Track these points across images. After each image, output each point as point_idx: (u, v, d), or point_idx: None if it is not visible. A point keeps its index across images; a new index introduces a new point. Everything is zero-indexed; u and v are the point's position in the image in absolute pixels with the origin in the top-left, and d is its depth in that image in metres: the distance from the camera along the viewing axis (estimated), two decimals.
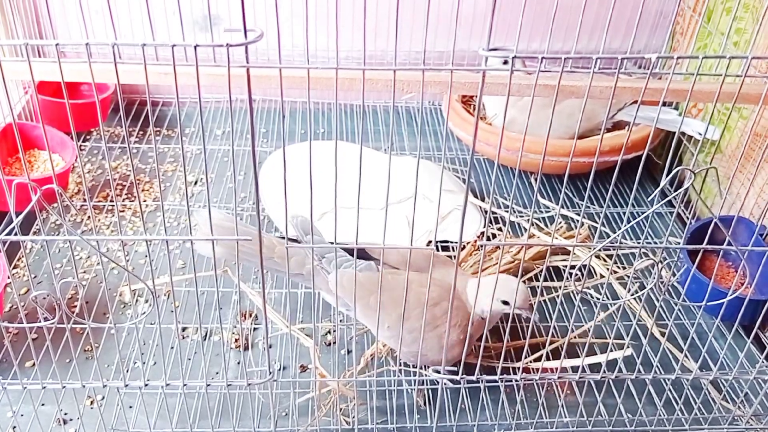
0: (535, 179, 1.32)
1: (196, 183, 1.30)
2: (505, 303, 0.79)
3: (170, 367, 0.92)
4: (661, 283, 0.71)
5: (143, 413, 0.85)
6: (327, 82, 0.86)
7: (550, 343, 0.96)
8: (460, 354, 0.84)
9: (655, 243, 1.18)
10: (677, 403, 0.89)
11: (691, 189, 1.25)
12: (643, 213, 1.25)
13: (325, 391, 0.85)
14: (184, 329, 0.99)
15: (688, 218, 1.23)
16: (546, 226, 1.20)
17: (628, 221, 0.63)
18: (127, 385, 0.74)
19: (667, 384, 0.88)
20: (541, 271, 1.10)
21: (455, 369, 0.77)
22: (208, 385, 0.75)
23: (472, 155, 0.60)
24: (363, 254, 0.86)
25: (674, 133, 1.25)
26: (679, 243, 1.14)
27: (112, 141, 1.40)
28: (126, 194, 1.25)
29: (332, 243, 0.80)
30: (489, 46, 0.52)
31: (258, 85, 0.84)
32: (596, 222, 1.22)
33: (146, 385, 0.74)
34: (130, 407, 0.87)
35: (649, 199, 1.31)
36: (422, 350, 0.80)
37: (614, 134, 1.24)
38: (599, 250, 0.62)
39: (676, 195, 0.66)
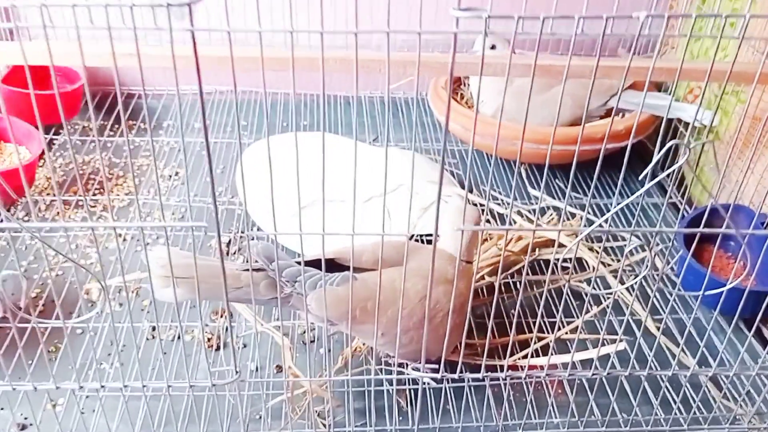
0: (525, 169, 1.27)
1: (171, 177, 1.25)
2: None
3: (135, 369, 0.86)
4: (655, 271, 0.66)
5: (105, 417, 0.80)
6: (283, 63, 0.81)
7: (539, 339, 0.91)
8: (461, 336, 0.80)
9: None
10: (675, 402, 0.84)
11: (686, 169, 1.20)
12: (636, 202, 1.20)
13: (300, 392, 0.80)
14: (153, 328, 0.94)
15: (681, 203, 1.17)
16: (538, 218, 1.14)
17: (620, 204, 0.58)
18: (81, 387, 0.69)
19: (663, 381, 0.82)
20: (530, 263, 1.05)
21: (436, 367, 0.72)
22: (170, 386, 0.70)
23: (445, 140, 0.55)
24: (337, 265, 0.79)
25: (670, 120, 1.20)
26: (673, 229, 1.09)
27: (86, 134, 1.34)
28: (97, 188, 1.19)
29: (299, 263, 0.75)
30: (460, 5, 0.47)
31: (220, 71, 0.80)
32: (589, 213, 1.17)
33: (103, 387, 0.69)
34: (93, 411, 0.82)
35: (640, 177, 1.25)
36: (422, 346, 0.74)
37: (606, 121, 1.19)
38: (587, 234, 0.56)
39: (669, 174, 0.61)
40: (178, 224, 0.60)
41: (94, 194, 1.18)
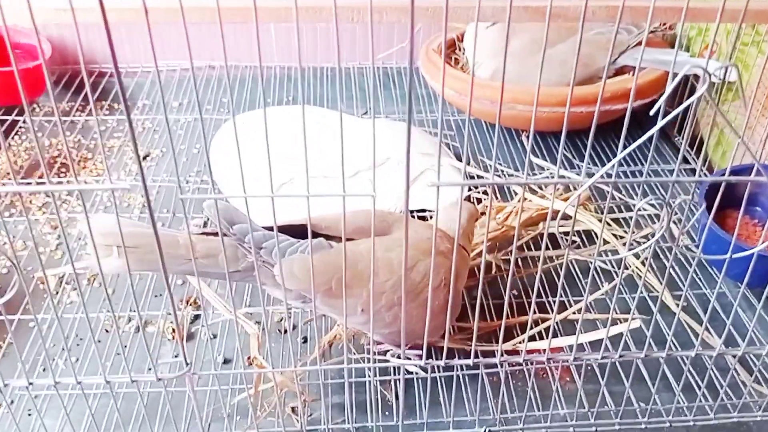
0: (527, 136, 1.16)
1: (145, 158, 1.16)
2: None
3: (87, 365, 0.77)
4: (672, 240, 0.56)
5: (53, 417, 0.71)
6: (244, 14, 0.71)
7: (542, 321, 0.80)
8: (453, 316, 0.72)
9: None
10: (699, 388, 0.74)
11: (705, 133, 1.09)
12: (655, 171, 1.09)
13: (269, 386, 0.70)
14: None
15: (700, 168, 1.06)
16: (541, 189, 1.04)
17: (629, 148, 0.48)
18: (31, 383, 0.60)
19: (685, 364, 0.72)
20: (533, 239, 0.94)
21: (421, 353, 0.62)
22: (108, 382, 0.61)
23: (442, 106, 0.44)
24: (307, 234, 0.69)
25: (685, 78, 1.08)
26: (690, 192, 0.98)
27: (54, 115, 1.25)
28: (64, 172, 1.10)
29: (268, 228, 0.65)
30: None
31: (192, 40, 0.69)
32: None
33: (31, 384, 0.60)
34: (30, 414, 0.73)
35: (651, 112, 1.14)
36: (407, 326, 0.65)
37: (617, 79, 1.08)
38: (597, 204, 0.46)
39: (681, 122, 0.50)
40: (97, 187, 0.50)
41: (60, 177, 1.09)
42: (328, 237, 0.69)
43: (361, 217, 0.70)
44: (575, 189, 1.02)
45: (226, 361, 0.79)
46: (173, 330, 0.83)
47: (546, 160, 1.09)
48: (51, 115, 1.23)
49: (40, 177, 1.09)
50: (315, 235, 0.69)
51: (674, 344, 0.79)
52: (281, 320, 0.84)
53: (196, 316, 0.85)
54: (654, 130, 0.49)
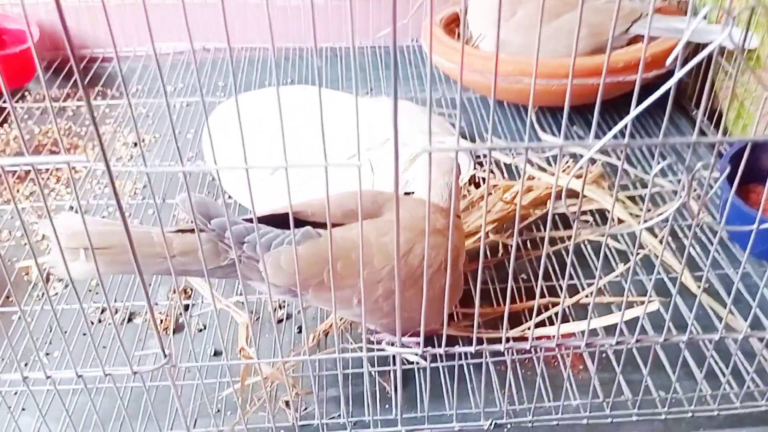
0: (535, 112, 1.10)
1: (136, 144, 1.11)
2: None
3: (66, 357, 0.73)
4: (690, 209, 0.51)
5: (30, 415, 0.67)
6: None
7: (552, 305, 0.75)
8: (456, 299, 0.68)
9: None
10: (723, 375, 0.68)
11: (724, 105, 1.03)
12: (671, 146, 1.03)
13: (260, 379, 0.65)
14: (103, 311, 0.80)
15: (713, 133, 1.00)
16: (550, 164, 0.98)
17: (640, 107, 0.42)
18: (26, 378, 0.56)
19: (708, 349, 0.66)
20: (541, 218, 0.88)
21: (419, 341, 0.57)
22: (80, 376, 0.56)
23: (431, 68, 0.39)
24: (298, 223, 0.62)
25: (702, 47, 1.02)
26: (710, 165, 0.92)
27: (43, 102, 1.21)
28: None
29: (248, 221, 0.60)
30: None
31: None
32: (610, 156, 1.00)
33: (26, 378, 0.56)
34: (24, 409, 0.69)
35: (668, 61, 1.08)
36: (407, 314, 0.60)
37: (631, 48, 1.02)
38: (610, 181, 0.40)
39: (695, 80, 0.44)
40: (53, 160, 0.46)
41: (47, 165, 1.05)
42: (315, 225, 0.63)
43: (349, 200, 0.65)
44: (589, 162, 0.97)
45: (216, 354, 0.75)
46: (162, 321, 0.79)
47: (556, 136, 1.03)
48: (41, 101, 1.19)
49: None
50: (302, 223, 0.63)
51: (696, 328, 0.73)
52: (275, 310, 0.80)
53: (187, 306, 0.80)
54: (673, 82, 0.44)
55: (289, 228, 0.58)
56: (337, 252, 0.60)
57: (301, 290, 0.60)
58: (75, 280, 0.56)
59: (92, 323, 0.79)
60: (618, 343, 0.58)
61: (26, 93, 1.23)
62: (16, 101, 1.17)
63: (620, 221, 0.86)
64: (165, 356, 0.56)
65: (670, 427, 0.66)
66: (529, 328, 0.71)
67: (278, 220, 0.62)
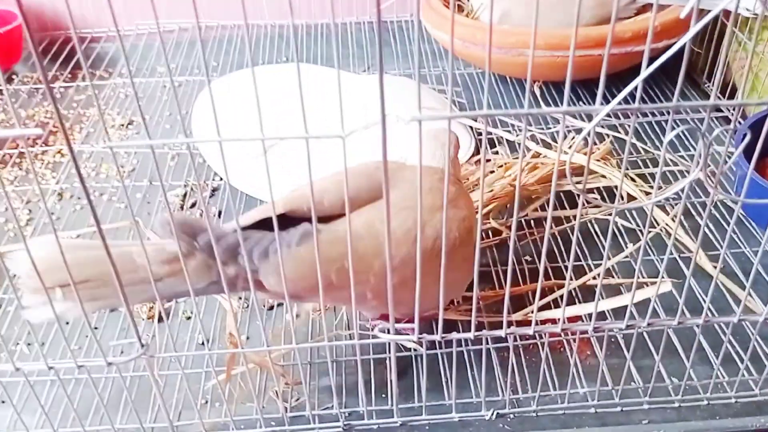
0: (539, 86, 1.05)
1: (128, 125, 1.08)
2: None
3: (46, 348, 0.70)
4: (711, 174, 0.47)
5: (8, 407, 0.64)
6: None
7: (557, 288, 0.71)
8: (471, 275, 0.60)
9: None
10: (741, 360, 0.64)
11: (737, 78, 0.98)
12: (683, 121, 0.98)
13: (247, 369, 0.61)
14: None
15: (732, 114, 0.95)
16: (556, 141, 0.94)
17: (648, 70, 0.38)
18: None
19: (726, 333, 0.62)
20: (548, 198, 0.84)
21: (413, 326, 0.53)
22: (51, 368, 0.53)
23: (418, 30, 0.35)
24: (288, 222, 0.56)
25: (715, 17, 0.97)
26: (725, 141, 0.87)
27: (36, 84, 1.17)
28: (41, 144, 1.02)
29: (238, 230, 0.54)
30: None
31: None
32: (618, 133, 0.95)
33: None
34: (2, 402, 0.65)
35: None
36: (425, 297, 0.51)
37: (639, 18, 0.97)
38: (618, 157, 0.36)
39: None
40: (4, 134, 0.42)
41: (32, 149, 1.01)
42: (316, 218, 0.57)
43: (352, 181, 0.59)
44: (590, 139, 0.92)
45: (206, 342, 0.71)
46: (149, 308, 0.75)
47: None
48: (26, 83, 1.15)
49: (16, 147, 1.01)
50: (298, 221, 0.56)
51: (711, 311, 0.69)
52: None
53: None
54: (688, 37, 0.39)
55: (284, 226, 0.54)
56: (342, 248, 0.52)
57: (310, 295, 0.55)
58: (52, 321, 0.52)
59: None
60: (628, 326, 0.54)
61: (13, 75, 1.19)
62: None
63: (630, 198, 0.82)
64: (142, 346, 0.53)
65: (684, 415, 0.62)
66: (532, 312, 0.67)
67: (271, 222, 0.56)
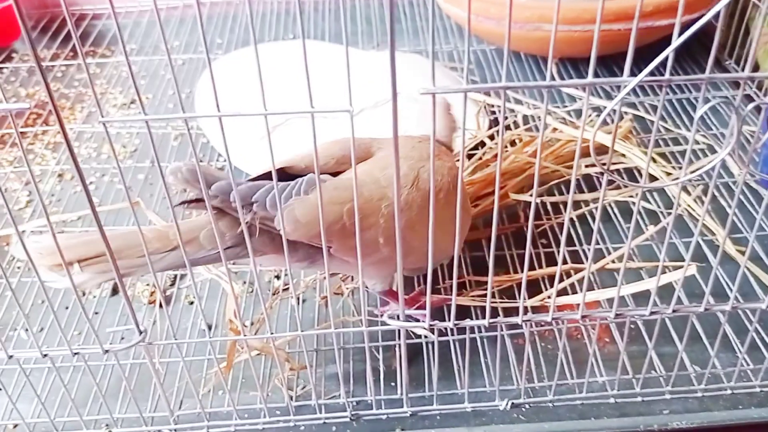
0: (556, 63, 1.02)
1: (131, 104, 1.05)
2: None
3: (45, 334, 0.68)
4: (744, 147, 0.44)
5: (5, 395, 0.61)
6: None
7: (575, 272, 0.68)
8: (468, 224, 0.66)
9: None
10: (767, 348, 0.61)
11: (762, 57, 0.94)
12: (705, 99, 0.94)
13: (251, 356, 0.59)
14: None
15: (757, 95, 0.91)
16: (575, 119, 0.90)
17: (674, 45, 0.35)
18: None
19: (753, 321, 0.59)
20: (565, 180, 0.81)
21: (424, 312, 0.50)
22: (45, 355, 0.50)
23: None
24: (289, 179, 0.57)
25: None
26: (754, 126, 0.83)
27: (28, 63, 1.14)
28: (41, 124, 1.00)
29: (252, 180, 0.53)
30: None
31: None
32: (638, 110, 0.92)
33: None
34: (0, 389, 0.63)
35: None
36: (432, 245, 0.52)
37: None
38: (638, 136, 0.33)
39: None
40: None
41: (33, 128, 0.98)
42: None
43: (338, 147, 0.59)
44: (610, 121, 0.88)
45: (209, 327, 0.69)
46: (151, 293, 0.73)
47: (578, 89, 0.95)
48: (26, 61, 1.12)
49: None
50: (296, 176, 0.56)
51: (738, 297, 0.65)
52: (275, 277, 0.73)
53: (177, 277, 0.74)
54: (720, 6, 0.36)
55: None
56: (349, 193, 0.54)
57: (326, 240, 0.52)
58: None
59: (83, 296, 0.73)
60: (653, 313, 0.51)
61: (13, 53, 1.16)
62: (2, 61, 1.10)
63: (652, 179, 0.78)
64: (140, 333, 0.50)
65: (707, 405, 0.59)
66: (549, 297, 0.64)
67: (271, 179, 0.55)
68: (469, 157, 0.82)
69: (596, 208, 0.77)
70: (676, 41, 0.38)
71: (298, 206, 0.52)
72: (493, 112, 0.93)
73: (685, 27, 0.35)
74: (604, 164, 0.42)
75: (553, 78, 1.00)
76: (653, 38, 0.92)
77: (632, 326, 0.65)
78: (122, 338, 0.67)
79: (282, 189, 0.54)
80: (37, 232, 0.79)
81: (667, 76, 0.40)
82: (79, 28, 1.19)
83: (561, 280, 0.66)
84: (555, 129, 0.83)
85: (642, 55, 0.39)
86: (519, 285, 0.68)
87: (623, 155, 0.80)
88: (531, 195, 0.76)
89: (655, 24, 0.87)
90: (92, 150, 0.95)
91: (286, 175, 0.57)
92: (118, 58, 1.13)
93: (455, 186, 0.59)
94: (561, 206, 0.78)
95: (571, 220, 0.76)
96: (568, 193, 0.80)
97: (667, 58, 0.39)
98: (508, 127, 0.90)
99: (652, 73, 0.39)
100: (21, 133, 0.97)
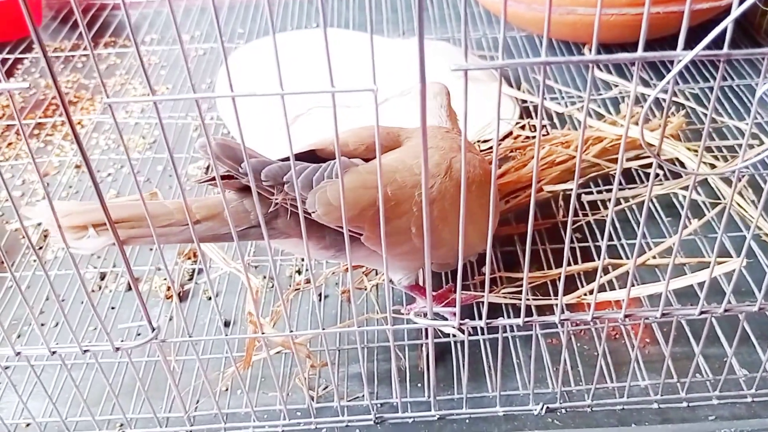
0: (589, 48, 0.97)
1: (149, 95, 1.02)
2: None
3: (58, 330, 0.65)
4: None
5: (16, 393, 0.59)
6: None
7: (614, 268, 0.64)
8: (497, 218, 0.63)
9: None
10: None
11: None
12: (747, 86, 0.89)
13: (268, 355, 0.56)
14: (102, 277, 0.72)
15: None
16: (611, 113, 0.86)
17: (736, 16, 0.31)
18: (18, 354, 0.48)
19: None
20: (601, 175, 0.76)
21: (454, 310, 0.46)
22: (53, 352, 0.48)
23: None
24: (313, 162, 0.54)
25: None
26: None
27: (55, 53, 1.12)
28: (59, 115, 0.98)
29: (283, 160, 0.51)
30: None
31: None
32: (687, 100, 0.87)
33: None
34: (14, 385, 0.61)
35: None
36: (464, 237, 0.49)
37: None
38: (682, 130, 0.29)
39: None
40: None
41: (51, 118, 0.96)
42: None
43: (368, 133, 0.57)
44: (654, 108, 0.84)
45: (227, 324, 0.66)
46: (168, 288, 0.70)
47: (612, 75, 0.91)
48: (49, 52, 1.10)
49: (32, 119, 0.97)
50: (327, 159, 0.54)
51: None
52: (296, 272, 0.71)
53: (196, 271, 0.71)
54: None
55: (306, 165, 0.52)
56: (383, 177, 0.50)
57: (358, 226, 0.51)
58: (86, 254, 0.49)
59: (92, 291, 0.70)
60: (702, 312, 0.47)
61: (33, 44, 1.15)
62: (22, 52, 1.09)
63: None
64: (152, 330, 0.47)
65: (757, 411, 0.55)
66: (587, 294, 0.60)
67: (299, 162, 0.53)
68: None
69: (635, 205, 0.72)
70: (736, 10, 0.35)
71: (330, 188, 0.50)
72: (524, 101, 0.89)
73: (724, 11, 0.32)
74: (656, 153, 0.38)
75: (586, 66, 0.96)
76: (699, 21, 0.88)
77: (677, 327, 0.61)
78: (138, 334, 0.65)
79: (314, 171, 0.51)
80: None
81: (725, 50, 0.36)
82: (99, 18, 1.17)
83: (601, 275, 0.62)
84: (594, 128, 0.78)
85: (687, 39, 0.35)
86: (553, 282, 0.65)
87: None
88: (567, 190, 0.72)
89: (696, 7, 0.83)
90: (111, 141, 0.92)
91: (316, 158, 0.55)
92: (127, 49, 1.11)
93: (487, 179, 0.57)
94: (598, 202, 0.74)
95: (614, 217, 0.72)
96: (604, 187, 0.76)
97: (725, 31, 0.36)
98: (544, 122, 0.86)
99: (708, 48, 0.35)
100: (39, 123, 0.95)
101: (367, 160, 0.56)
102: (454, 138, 0.60)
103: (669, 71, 0.36)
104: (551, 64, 0.37)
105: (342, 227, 0.50)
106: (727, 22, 0.35)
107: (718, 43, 0.35)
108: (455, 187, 0.54)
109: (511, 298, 0.62)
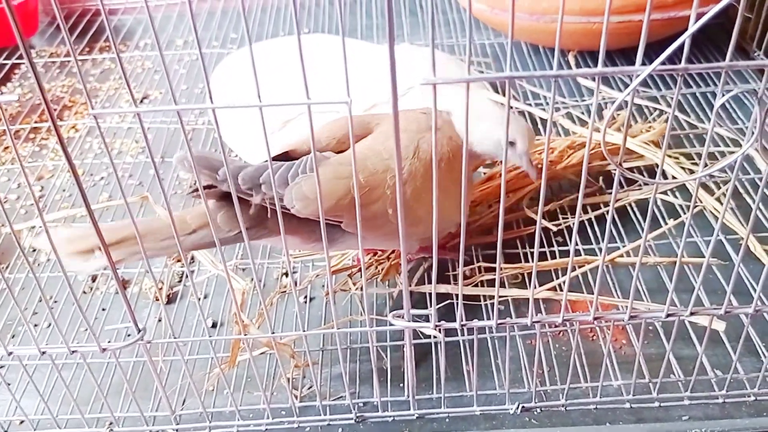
0: (574, 56, 0.99)
1: (142, 100, 1.04)
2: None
3: (50, 331, 0.67)
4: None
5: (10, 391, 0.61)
6: None
7: (585, 264, 0.66)
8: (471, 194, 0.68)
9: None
10: None
11: None
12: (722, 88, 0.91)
13: (251, 356, 0.57)
14: (93, 279, 0.74)
15: None
16: (594, 119, 0.88)
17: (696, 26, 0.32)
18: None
19: None
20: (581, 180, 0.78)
21: (427, 312, 0.48)
22: (43, 353, 0.50)
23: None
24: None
25: None
26: None
27: (51, 58, 1.14)
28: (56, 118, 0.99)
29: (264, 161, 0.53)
30: None
31: None
32: (659, 104, 0.89)
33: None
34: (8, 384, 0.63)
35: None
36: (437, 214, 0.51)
37: None
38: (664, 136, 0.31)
39: None
40: None
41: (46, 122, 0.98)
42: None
43: (337, 126, 0.60)
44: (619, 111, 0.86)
45: (214, 325, 0.68)
46: (159, 289, 0.72)
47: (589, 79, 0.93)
48: (42, 57, 1.12)
49: (27, 123, 0.99)
50: (297, 158, 0.57)
51: (762, 298, 0.63)
52: (283, 275, 0.72)
53: (184, 274, 0.73)
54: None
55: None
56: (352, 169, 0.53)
57: (336, 215, 0.54)
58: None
59: (84, 293, 0.72)
60: (669, 315, 0.49)
61: (29, 49, 1.17)
62: (18, 57, 1.10)
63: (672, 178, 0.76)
64: (138, 331, 0.49)
65: (729, 411, 0.57)
66: (557, 287, 0.62)
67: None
68: None
69: (616, 209, 0.74)
70: (693, 27, 0.36)
71: (305, 183, 0.53)
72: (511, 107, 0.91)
73: (704, 28, 0.33)
74: (618, 162, 0.40)
75: (567, 62, 0.97)
76: (675, 29, 0.89)
77: (649, 327, 0.63)
78: (128, 335, 0.66)
79: (288, 168, 0.54)
80: (51, 225, 0.79)
81: (683, 64, 0.38)
82: (94, 23, 1.18)
83: (573, 270, 0.64)
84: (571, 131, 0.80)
85: (664, 45, 0.36)
86: (530, 276, 0.66)
87: (641, 156, 0.77)
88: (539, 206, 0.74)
89: (678, 15, 0.84)
90: (103, 145, 0.94)
91: (291, 159, 0.57)
92: (132, 53, 1.13)
93: (455, 155, 0.60)
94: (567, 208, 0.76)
95: (589, 220, 0.73)
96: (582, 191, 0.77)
97: (683, 47, 0.37)
98: None
99: (668, 63, 0.37)
100: (34, 128, 0.97)
101: (339, 152, 0.59)
102: (419, 119, 0.61)
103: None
104: (515, 78, 0.39)
105: (321, 216, 0.53)
106: (684, 38, 0.37)
107: (706, 54, 0.36)
108: (424, 167, 0.57)
109: (486, 291, 0.64)
